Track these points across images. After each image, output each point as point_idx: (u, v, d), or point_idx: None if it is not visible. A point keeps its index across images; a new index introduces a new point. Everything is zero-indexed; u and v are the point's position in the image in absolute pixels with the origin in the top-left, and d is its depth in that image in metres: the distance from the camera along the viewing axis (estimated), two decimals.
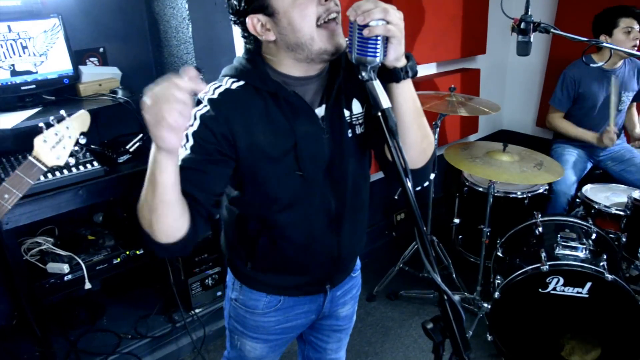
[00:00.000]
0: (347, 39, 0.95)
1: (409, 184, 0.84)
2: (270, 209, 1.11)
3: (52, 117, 1.17)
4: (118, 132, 2.19)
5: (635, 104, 2.91)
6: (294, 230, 1.14)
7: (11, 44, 1.82)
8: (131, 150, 2.01)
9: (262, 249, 1.16)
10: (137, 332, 2.27)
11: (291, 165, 1.05)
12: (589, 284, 1.91)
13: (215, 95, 1.00)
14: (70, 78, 2.01)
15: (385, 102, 0.87)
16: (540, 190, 2.57)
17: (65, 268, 1.98)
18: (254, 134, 1.01)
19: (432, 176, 1.14)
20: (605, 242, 2.21)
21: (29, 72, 1.89)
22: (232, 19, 1.02)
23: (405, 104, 0.97)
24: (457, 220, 2.77)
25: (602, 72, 2.72)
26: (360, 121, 1.11)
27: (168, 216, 0.91)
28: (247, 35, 1.02)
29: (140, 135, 2.07)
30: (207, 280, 2.34)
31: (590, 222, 2.29)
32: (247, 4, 0.97)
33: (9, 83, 1.85)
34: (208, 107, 0.99)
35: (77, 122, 1.22)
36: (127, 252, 2.14)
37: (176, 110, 0.77)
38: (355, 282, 1.41)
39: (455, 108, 2.33)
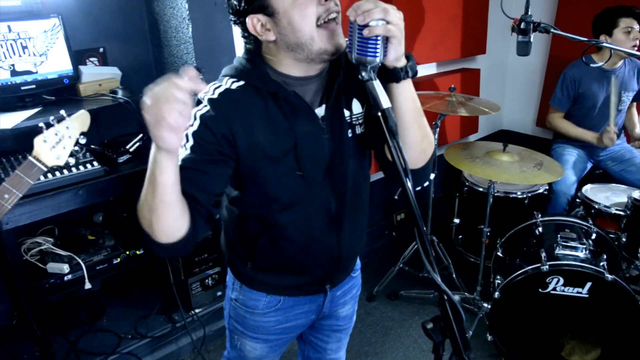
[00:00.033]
0: (347, 39, 0.95)
1: (409, 184, 0.84)
2: (270, 209, 1.11)
3: (52, 117, 1.17)
4: (118, 132, 2.19)
5: (635, 104, 2.91)
6: (294, 230, 1.13)
7: (11, 44, 1.82)
8: (131, 150, 2.01)
9: (262, 248, 1.16)
10: (137, 332, 2.26)
11: (291, 165, 1.05)
12: (589, 284, 1.91)
13: (215, 95, 1.00)
14: (70, 78, 2.01)
15: (385, 102, 0.87)
16: (540, 190, 2.57)
17: (65, 268, 1.98)
18: (254, 134, 1.01)
19: (432, 176, 1.14)
20: (605, 242, 2.21)
21: (29, 72, 1.89)
22: (232, 18, 1.02)
23: (405, 103, 0.97)
24: (457, 220, 2.77)
25: (602, 72, 2.72)
26: (360, 121, 1.11)
27: (168, 216, 0.91)
28: (247, 35, 1.02)
29: (140, 135, 2.07)
30: (207, 280, 2.34)
31: (590, 222, 2.29)
32: (247, 4, 0.97)
33: (9, 83, 1.85)
34: (208, 107, 0.99)
35: (77, 122, 1.22)
36: (127, 252, 2.14)
37: (176, 110, 0.77)
38: (355, 282, 1.41)
39: (455, 108, 2.33)
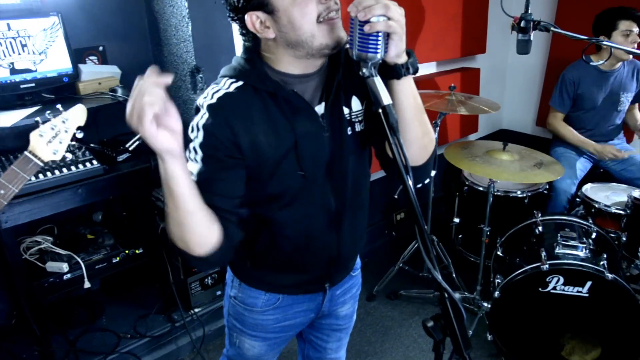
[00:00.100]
0: (348, 36, 0.94)
1: (410, 182, 0.83)
2: (270, 207, 1.10)
3: (48, 112, 1.17)
4: (117, 131, 2.18)
5: (637, 104, 2.91)
6: (293, 228, 1.13)
7: (10, 42, 1.82)
8: (130, 148, 2.00)
9: (261, 246, 1.16)
10: (137, 331, 2.26)
11: (292, 164, 1.05)
12: (589, 283, 1.90)
13: (214, 100, 1.00)
14: (69, 76, 2.01)
15: (386, 99, 0.86)
16: (540, 190, 2.56)
17: (65, 267, 1.98)
18: (255, 134, 1.00)
19: (433, 173, 1.14)
20: (606, 241, 2.21)
21: (28, 71, 1.89)
22: (230, 15, 1.01)
23: (406, 100, 0.97)
24: (457, 220, 2.77)
25: (601, 73, 2.72)
26: (360, 118, 1.11)
27: (196, 225, 0.93)
28: (246, 32, 1.02)
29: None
30: (206, 280, 2.33)
31: (591, 221, 2.28)
32: (246, 1, 0.96)
33: (8, 81, 1.85)
34: (208, 115, 0.98)
35: (74, 116, 1.21)
36: (127, 251, 2.14)
37: (153, 100, 0.78)
38: (355, 281, 1.41)
39: (455, 107, 2.33)
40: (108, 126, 2.18)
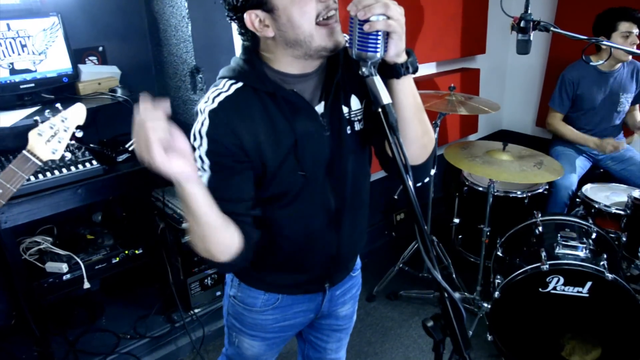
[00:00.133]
0: (347, 36, 0.94)
1: (410, 181, 0.83)
2: (270, 207, 1.10)
3: (47, 111, 1.16)
4: (117, 131, 2.18)
5: (637, 106, 2.91)
6: (293, 228, 1.13)
7: (10, 43, 1.82)
8: (130, 149, 2.00)
9: (260, 246, 1.16)
10: (136, 332, 2.26)
11: (293, 164, 1.05)
12: (589, 284, 1.90)
13: (215, 105, 0.99)
14: (69, 77, 2.00)
15: (385, 98, 0.86)
16: (540, 190, 2.56)
17: (64, 267, 1.98)
18: (256, 134, 1.00)
19: (432, 172, 1.14)
20: (606, 241, 2.21)
21: (28, 71, 1.89)
22: (229, 14, 1.01)
23: (406, 99, 0.97)
24: (456, 220, 2.77)
25: (600, 74, 2.73)
26: (359, 117, 1.11)
27: (219, 236, 0.96)
28: (245, 31, 1.02)
29: None
30: (206, 280, 2.33)
31: (591, 221, 2.28)
32: (245, 0, 0.96)
33: (8, 81, 1.85)
34: (209, 121, 0.98)
35: (73, 115, 1.21)
36: (126, 252, 2.14)
37: (156, 126, 0.78)
38: (355, 282, 1.41)
39: (455, 107, 2.33)
40: (108, 126, 2.18)
